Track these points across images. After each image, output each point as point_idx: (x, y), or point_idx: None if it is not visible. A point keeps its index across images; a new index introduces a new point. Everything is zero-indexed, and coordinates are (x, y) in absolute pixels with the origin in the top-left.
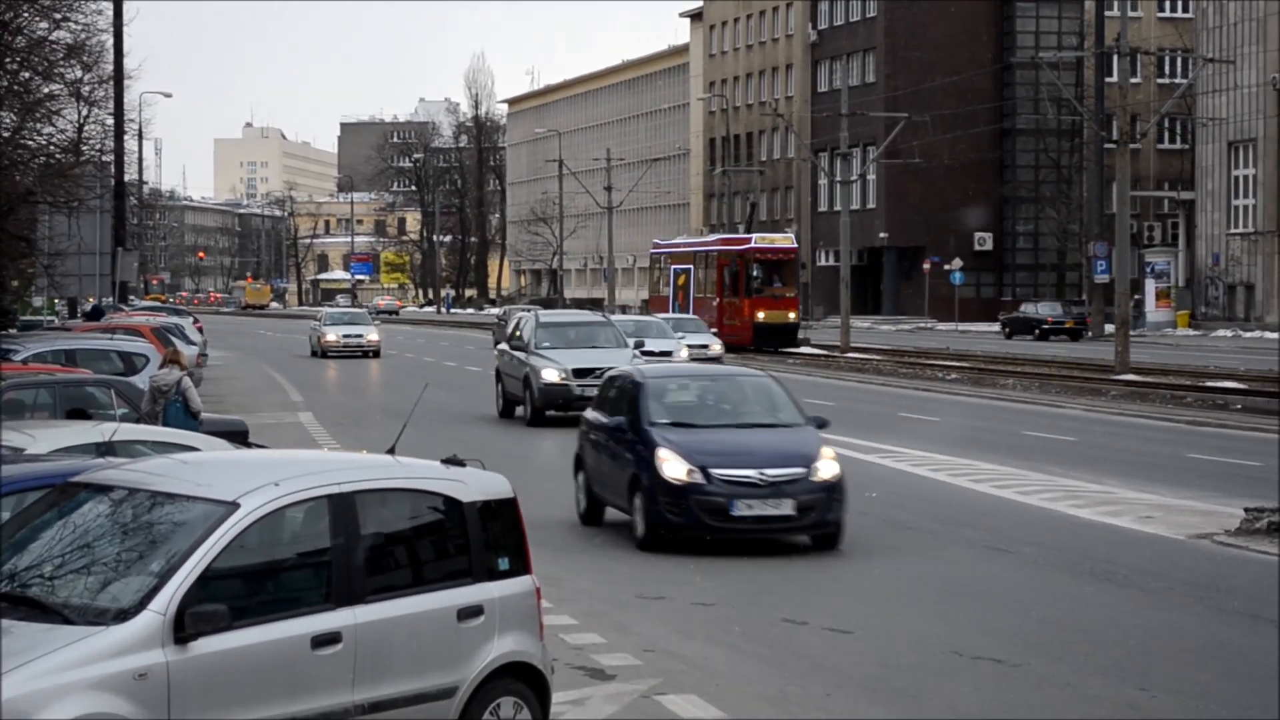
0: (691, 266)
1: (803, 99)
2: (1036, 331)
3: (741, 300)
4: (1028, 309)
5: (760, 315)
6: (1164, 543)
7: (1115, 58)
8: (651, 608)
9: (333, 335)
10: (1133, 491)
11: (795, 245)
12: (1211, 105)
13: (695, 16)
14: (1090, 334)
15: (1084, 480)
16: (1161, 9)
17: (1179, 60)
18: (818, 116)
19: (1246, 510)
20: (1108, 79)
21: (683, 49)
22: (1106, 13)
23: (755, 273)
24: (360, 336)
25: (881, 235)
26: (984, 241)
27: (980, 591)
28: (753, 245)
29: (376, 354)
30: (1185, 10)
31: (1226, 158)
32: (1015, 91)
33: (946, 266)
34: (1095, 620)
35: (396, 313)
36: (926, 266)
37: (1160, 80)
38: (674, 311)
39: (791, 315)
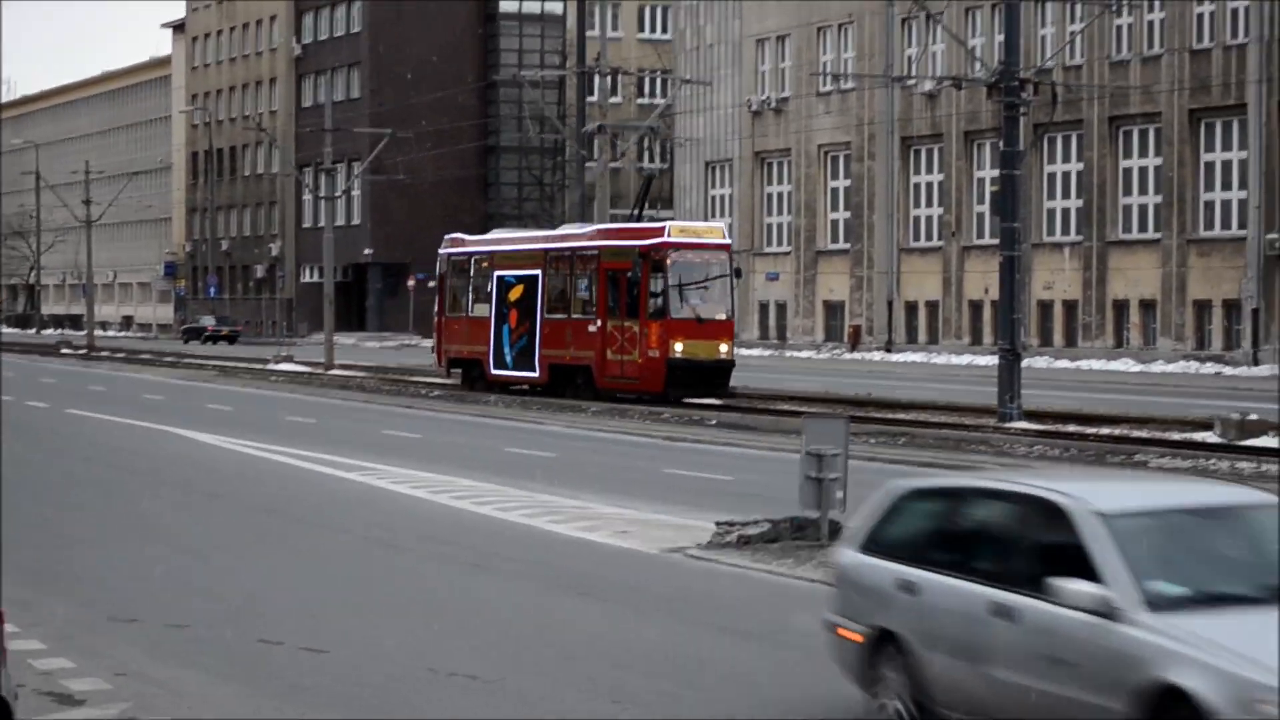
0: (539, 272)
1: (287, 113)
2: (203, 337)
3: (644, 324)
4: (202, 319)
5: (678, 347)
6: (639, 557)
7: (596, 77)
8: (124, 630)
9: None
10: (610, 507)
11: (729, 240)
12: (690, 125)
13: (178, 28)
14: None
15: (562, 496)
16: (642, 30)
17: (659, 81)
18: (302, 131)
19: (717, 524)
20: (589, 98)
21: (165, 60)
22: (588, 33)
23: (669, 280)
24: None
25: (366, 252)
26: None
27: (459, 608)
28: (667, 239)
29: None
30: (665, 32)
31: (704, 177)
32: (499, 109)
33: (431, 283)
34: (572, 635)
35: None
36: (411, 283)
37: (640, 100)
38: (504, 345)
39: (724, 348)
